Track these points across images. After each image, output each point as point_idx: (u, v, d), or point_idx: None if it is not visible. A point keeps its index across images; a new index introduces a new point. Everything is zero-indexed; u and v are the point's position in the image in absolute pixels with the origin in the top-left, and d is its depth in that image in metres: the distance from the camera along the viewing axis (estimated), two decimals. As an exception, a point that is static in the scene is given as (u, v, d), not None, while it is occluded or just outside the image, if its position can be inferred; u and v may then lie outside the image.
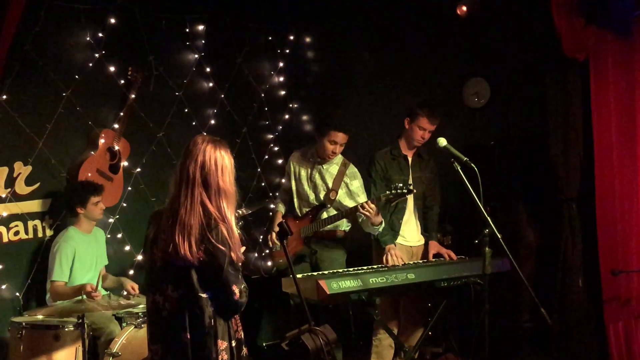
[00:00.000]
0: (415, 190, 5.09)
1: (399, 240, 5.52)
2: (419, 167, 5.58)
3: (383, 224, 5.31)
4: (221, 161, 3.25)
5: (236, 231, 3.22)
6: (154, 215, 3.43)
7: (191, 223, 3.14)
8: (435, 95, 6.46)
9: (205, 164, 3.23)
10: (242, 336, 3.35)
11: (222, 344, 3.20)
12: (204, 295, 3.16)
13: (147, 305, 3.32)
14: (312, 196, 5.63)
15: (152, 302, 3.27)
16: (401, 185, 5.02)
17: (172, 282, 3.20)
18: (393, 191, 5.01)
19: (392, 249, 5.33)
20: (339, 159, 5.63)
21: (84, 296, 4.74)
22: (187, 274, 3.16)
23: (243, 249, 3.31)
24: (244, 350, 3.35)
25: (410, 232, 5.60)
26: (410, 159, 5.56)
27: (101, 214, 5.44)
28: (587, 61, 5.23)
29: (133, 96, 5.97)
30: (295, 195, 5.74)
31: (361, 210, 5.11)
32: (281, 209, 5.83)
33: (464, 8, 5.97)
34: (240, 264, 3.20)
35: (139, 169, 6.22)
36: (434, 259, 5.48)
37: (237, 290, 3.14)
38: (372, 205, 5.07)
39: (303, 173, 5.68)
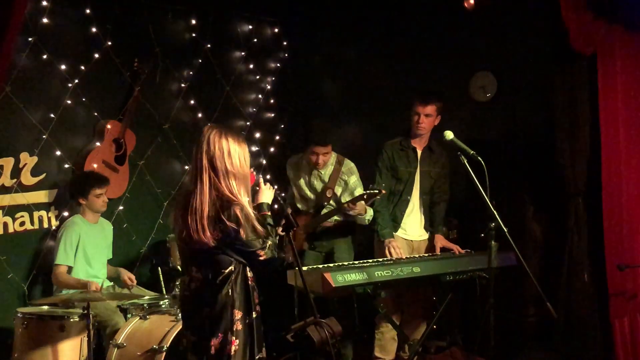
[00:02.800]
0: (384, 192, 5.15)
1: (400, 233, 5.50)
2: (429, 161, 5.55)
3: (370, 211, 5.41)
4: (226, 146, 3.39)
5: (250, 210, 3.36)
6: (172, 202, 3.63)
7: (203, 207, 3.30)
8: (441, 88, 6.44)
9: (210, 150, 3.37)
10: (256, 316, 3.47)
11: (238, 314, 3.36)
12: (225, 270, 3.36)
13: (180, 289, 3.66)
14: (313, 197, 5.72)
15: (182, 283, 3.52)
16: (372, 185, 5.19)
17: (194, 264, 3.41)
18: (368, 191, 5.15)
19: (392, 242, 5.33)
20: (332, 158, 5.65)
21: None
22: (206, 254, 3.35)
23: None
24: (261, 327, 3.50)
25: (413, 226, 5.57)
26: (419, 152, 5.54)
27: (104, 206, 5.44)
28: (595, 55, 5.20)
29: (139, 88, 5.96)
30: (299, 199, 5.82)
31: (346, 208, 5.31)
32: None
33: (472, 1, 5.94)
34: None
35: (144, 161, 6.22)
36: (440, 253, 5.47)
37: (261, 253, 3.35)
38: (353, 205, 5.24)
39: (301, 180, 5.74)
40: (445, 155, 5.59)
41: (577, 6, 5.08)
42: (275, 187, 3.88)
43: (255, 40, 7.16)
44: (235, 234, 3.29)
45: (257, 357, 3.40)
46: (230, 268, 3.37)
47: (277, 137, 7.37)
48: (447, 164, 5.62)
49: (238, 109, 7.04)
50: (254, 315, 3.42)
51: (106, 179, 5.44)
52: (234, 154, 3.40)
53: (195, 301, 3.41)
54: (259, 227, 3.35)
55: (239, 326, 3.36)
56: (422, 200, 5.56)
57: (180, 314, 4.21)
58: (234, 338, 3.34)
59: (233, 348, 3.33)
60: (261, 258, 3.37)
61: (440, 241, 5.53)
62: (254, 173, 3.79)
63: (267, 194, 3.66)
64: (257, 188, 3.67)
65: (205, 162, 3.36)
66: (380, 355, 5.53)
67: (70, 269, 5.22)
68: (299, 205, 5.81)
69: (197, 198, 3.32)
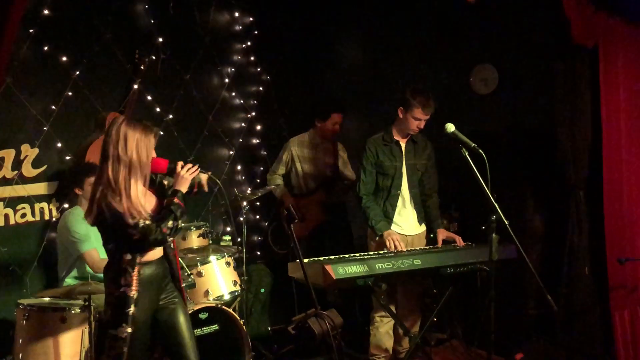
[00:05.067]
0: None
1: (395, 228, 5.43)
2: (414, 153, 5.48)
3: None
4: (124, 133, 3.71)
5: (136, 193, 3.70)
6: None
7: (94, 189, 3.74)
8: (442, 82, 6.45)
9: (110, 137, 3.73)
10: (133, 294, 3.75)
11: (110, 288, 3.80)
12: (109, 246, 3.82)
13: None
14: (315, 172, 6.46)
15: None
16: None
17: None
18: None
19: (390, 234, 5.28)
20: None
21: None
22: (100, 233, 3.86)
23: None
24: (131, 310, 3.73)
25: (406, 221, 5.50)
26: (403, 146, 5.46)
27: None
28: (596, 48, 5.19)
29: (140, 79, 5.95)
30: (300, 176, 6.47)
31: None
32: None
33: (473, -6, 5.93)
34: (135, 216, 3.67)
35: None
36: (442, 245, 5.45)
37: (134, 232, 3.66)
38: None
39: (308, 156, 6.32)
40: (430, 145, 5.56)
41: (579, -1, 5.07)
42: (208, 172, 4.00)
43: (257, 32, 7.15)
44: (105, 216, 3.66)
45: (118, 329, 3.71)
46: (109, 246, 3.82)
47: (278, 130, 7.38)
48: (432, 153, 5.57)
49: (239, 101, 7.04)
50: (118, 293, 3.74)
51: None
52: (131, 141, 3.70)
53: None
54: (128, 209, 3.64)
55: (109, 298, 3.80)
56: (412, 194, 5.49)
57: None
58: (106, 307, 3.83)
59: (105, 315, 3.83)
60: (135, 237, 3.67)
61: (442, 234, 5.50)
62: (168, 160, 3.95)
63: (182, 182, 3.89)
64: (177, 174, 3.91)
65: (105, 147, 3.73)
66: (376, 352, 5.50)
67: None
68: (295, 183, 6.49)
69: (95, 183, 3.77)
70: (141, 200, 3.74)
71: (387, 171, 5.41)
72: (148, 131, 3.79)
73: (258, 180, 7.14)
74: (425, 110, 5.24)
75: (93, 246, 5.15)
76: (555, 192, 5.54)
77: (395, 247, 5.20)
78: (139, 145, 3.72)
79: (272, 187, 6.34)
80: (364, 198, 5.41)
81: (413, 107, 5.23)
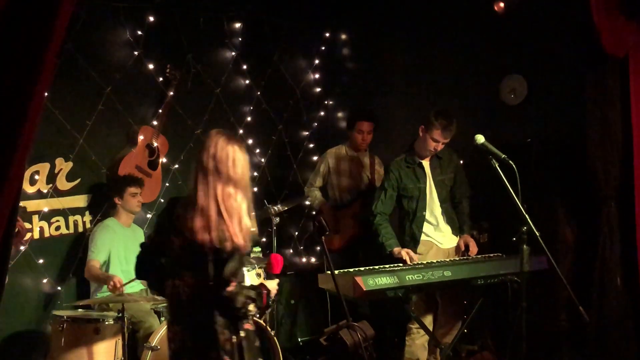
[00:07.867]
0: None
1: (435, 242, 5.49)
2: (440, 169, 5.51)
3: None
4: (232, 154, 3.35)
5: (246, 221, 3.30)
6: (171, 202, 3.54)
7: (208, 209, 3.25)
8: (471, 92, 6.44)
9: (217, 154, 3.33)
10: (253, 327, 3.39)
11: (224, 333, 3.26)
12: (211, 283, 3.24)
13: (167, 290, 3.39)
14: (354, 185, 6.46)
15: (172, 287, 3.36)
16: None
17: (189, 268, 3.31)
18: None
19: (402, 250, 5.30)
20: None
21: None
22: (203, 260, 3.24)
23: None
24: (256, 342, 3.38)
25: (443, 237, 5.54)
26: (427, 165, 5.49)
27: (138, 207, 5.53)
28: (627, 57, 5.16)
29: (171, 93, 6.02)
30: (337, 189, 6.47)
31: None
32: None
33: (502, 4, 5.94)
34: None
35: (176, 166, 6.29)
36: (471, 256, 5.43)
37: (233, 283, 3.21)
38: None
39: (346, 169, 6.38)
40: (456, 155, 5.59)
41: (609, 9, 5.04)
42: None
43: (285, 45, 7.20)
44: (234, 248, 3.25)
45: None
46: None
47: (306, 142, 7.42)
48: (459, 162, 5.60)
49: (268, 114, 7.08)
50: (242, 334, 3.31)
51: (140, 179, 5.56)
52: (238, 162, 3.36)
53: (190, 307, 3.32)
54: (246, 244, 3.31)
55: (227, 346, 3.28)
56: (443, 208, 5.51)
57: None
58: (226, 357, 3.28)
59: None
60: (229, 288, 3.22)
61: (461, 239, 5.51)
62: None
63: (271, 284, 3.51)
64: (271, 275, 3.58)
65: (211, 165, 3.33)
66: (410, 364, 5.51)
67: (102, 264, 5.34)
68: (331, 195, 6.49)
69: (204, 200, 3.29)
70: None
71: (412, 194, 5.43)
72: (245, 151, 3.48)
73: (287, 192, 7.17)
74: (445, 134, 5.26)
75: (99, 259, 5.30)
76: (587, 202, 5.50)
77: (412, 259, 5.23)
78: (244, 166, 3.42)
79: (301, 198, 6.40)
80: (377, 216, 5.46)
81: (433, 128, 5.26)
